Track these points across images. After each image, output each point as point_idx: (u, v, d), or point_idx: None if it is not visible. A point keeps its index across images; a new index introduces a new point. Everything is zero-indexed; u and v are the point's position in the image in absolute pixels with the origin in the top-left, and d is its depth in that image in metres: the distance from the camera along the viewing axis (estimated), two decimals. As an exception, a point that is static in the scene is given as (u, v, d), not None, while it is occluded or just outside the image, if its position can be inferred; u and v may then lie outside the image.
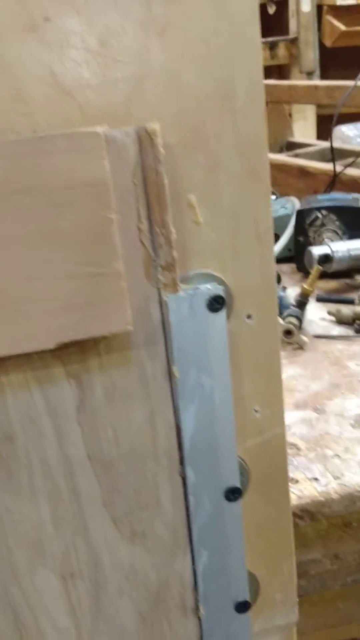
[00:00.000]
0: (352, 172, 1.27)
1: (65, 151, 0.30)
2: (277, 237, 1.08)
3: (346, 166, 1.20)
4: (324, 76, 2.97)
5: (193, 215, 0.35)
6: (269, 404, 0.39)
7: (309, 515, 0.51)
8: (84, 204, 0.30)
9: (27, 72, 0.31)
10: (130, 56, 0.33)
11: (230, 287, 0.37)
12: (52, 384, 0.34)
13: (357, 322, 0.84)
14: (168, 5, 0.32)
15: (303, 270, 1.02)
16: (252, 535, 0.41)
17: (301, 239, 1.04)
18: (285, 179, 1.46)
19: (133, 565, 0.39)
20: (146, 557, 0.39)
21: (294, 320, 0.80)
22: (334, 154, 1.25)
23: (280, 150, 1.91)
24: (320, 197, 1.10)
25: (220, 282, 0.36)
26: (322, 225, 1.02)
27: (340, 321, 0.85)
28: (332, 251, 0.94)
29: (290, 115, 2.69)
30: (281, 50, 3.03)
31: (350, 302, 0.91)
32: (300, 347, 0.79)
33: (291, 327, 0.78)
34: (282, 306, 0.83)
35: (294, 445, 0.58)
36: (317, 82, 1.70)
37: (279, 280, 0.97)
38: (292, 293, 0.86)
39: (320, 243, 1.01)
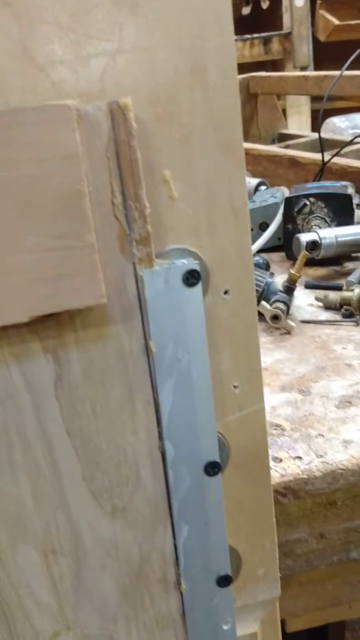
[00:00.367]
0: (342, 161, 1.27)
1: (37, 124, 0.30)
2: (266, 226, 1.09)
3: (334, 155, 1.21)
4: (317, 70, 2.97)
5: (168, 190, 0.35)
6: (247, 380, 0.40)
7: (292, 493, 0.51)
8: (56, 177, 0.31)
9: (-2, 47, 0.32)
10: (102, 32, 0.33)
11: (206, 262, 0.37)
12: (29, 359, 0.35)
13: (345, 307, 0.84)
14: (138, -22, 0.33)
15: (292, 258, 1.03)
16: (232, 510, 0.41)
17: (290, 226, 1.04)
18: (275, 170, 1.47)
19: (114, 541, 0.39)
20: (127, 532, 0.39)
21: (281, 305, 0.80)
22: (322, 143, 1.25)
23: (272, 142, 1.91)
24: (308, 185, 1.10)
25: (196, 257, 0.36)
26: (311, 212, 1.02)
27: (328, 307, 0.86)
28: (320, 238, 0.94)
29: (284, 110, 2.70)
30: (275, 45, 3.03)
31: (338, 288, 0.92)
32: (288, 332, 0.80)
33: (278, 312, 0.79)
34: (270, 292, 0.83)
35: (279, 426, 0.58)
36: (306, 72, 1.70)
37: (267, 267, 0.98)
38: (280, 280, 0.86)
39: (309, 230, 1.01)
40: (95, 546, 0.39)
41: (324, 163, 1.19)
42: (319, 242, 0.94)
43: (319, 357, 0.72)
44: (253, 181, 1.33)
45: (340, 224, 1.02)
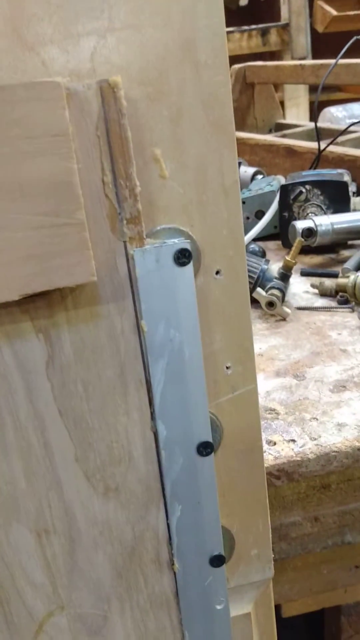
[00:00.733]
0: (339, 150, 1.27)
1: (26, 101, 0.30)
2: (262, 214, 1.08)
3: (330, 142, 1.20)
4: (315, 62, 2.96)
5: (159, 169, 0.35)
6: (240, 361, 0.40)
7: (286, 476, 0.51)
8: (45, 154, 0.31)
9: (-14, 24, 0.32)
10: (92, 10, 0.33)
11: (197, 242, 0.37)
12: (21, 339, 0.35)
13: (340, 294, 0.84)
14: None
15: (288, 246, 1.02)
16: (226, 490, 0.41)
17: (286, 214, 1.04)
18: (272, 159, 1.46)
19: (107, 521, 0.39)
20: (120, 512, 0.39)
21: (276, 292, 0.80)
22: (318, 131, 1.24)
23: (269, 132, 1.91)
24: (305, 172, 1.10)
25: (188, 236, 0.36)
26: (307, 200, 1.02)
27: (323, 293, 0.86)
28: (316, 225, 0.94)
29: (282, 102, 2.69)
30: (273, 37, 3.02)
31: (334, 275, 0.92)
32: (283, 318, 0.80)
33: (273, 298, 0.79)
34: (265, 279, 0.83)
35: (273, 410, 0.58)
36: (303, 61, 1.69)
37: (263, 255, 0.98)
38: (276, 268, 0.86)
39: (305, 218, 1.01)
40: (88, 526, 0.39)
41: (320, 151, 1.19)
42: (315, 229, 0.94)
43: (314, 342, 0.72)
44: (249, 170, 1.32)
45: (336, 211, 1.02)
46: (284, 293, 0.82)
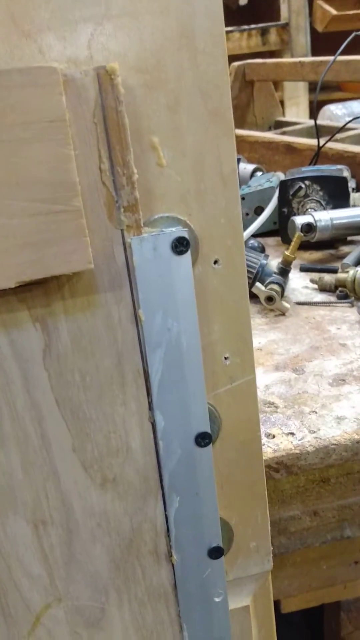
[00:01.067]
0: (338, 146, 1.27)
1: (22, 86, 0.30)
2: (262, 210, 1.08)
3: (329, 139, 1.20)
4: (315, 62, 2.96)
5: (156, 157, 0.35)
6: (239, 351, 0.40)
7: (285, 468, 0.51)
8: (42, 141, 0.30)
9: (-17, 10, 0.31)
10: (89, -4, 0.33)
11: (195, 231, 0.37)
12: (18, 327, 0.34)
13: (340, 289, 0.84)
14: None
15: (287, 242, 1.02)
16: (224, 482, 0.41)
17: (285, 210, 1.04)
18: (272, 157, 1.46)
19: (105, 512, 0.39)
20: (118, 503, 0.39)
21: (275, 287, 0.80)
22: (317, 128, 1.24)
23: (269, 129, 1.90)
24: (304, 168, 1.09)
25: (185, 225, 0.36)
26: (306, 195, 1.02)
27: (323, 288, 0.86)
28: (315, 220, 0.94)
29: (282, 101, 2.68)
30: (272, 36, 3.01)
31: (334, 271, 0.91)
32: (282, 313, 0.79)
33: (273, 293, 0.79)
34: (264, 274, 0.83)
35: (272, 404, 0.58)
36: (302, 58, 1.68)
37: (262, 250, 0.97)
38: (275, 263, 0.86)
39: (304, 213, 1.01)
40: (86, 517, 0.39)
41: (319, 147, 1.19)
42: (314, 224, 0.94)
43: (314, 337, 0.72)
44: (249, 167, 1.32)
45: (335, 207, 1.01)
46: (283, 288, 0.82)
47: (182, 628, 0.42)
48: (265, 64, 1.84)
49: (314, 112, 1.47)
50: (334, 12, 2.91)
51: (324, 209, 1.01)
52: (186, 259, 0.35)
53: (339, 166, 1.09)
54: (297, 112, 2.97)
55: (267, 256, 0.86)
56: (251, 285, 0.81)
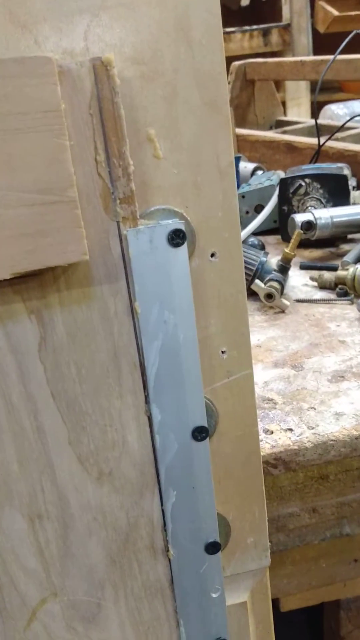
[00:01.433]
0: (339, 145, 1.27)
1: (17, 76, 0.30)
2: (262, 209, 1.08)
3: (329, 137, 1.20)
4: (317, 63, 2.95)
5: (153, 149, 0.35)
6: (236, 345, 0.39)
7: (283, 464, 0.51)
8: (37, 131, 0.30)
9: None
10: (85, -13, 0.33)
11: (192, 224, 0.36)
12: (13, 320, 0.34)
13: (339, 286, 0.84)
14: None
15: (287, 240, 1.01)
16: (221, 477, 0.41)
17: (285, 208, 1.04)
18: (272, 156, 1.46)
19: (101, 506, 0.39)
20: (114, 497, 0.39)
21: (275, 284, 0.80)
22: (317, 126, 1.24)
23: (270, 129, 1.90)
24: (304, 166, 1.09)
25: (182, 217, 0.36)
26: (306, 193, 1.02)
27: (323, 286, 0.85)
28: (315, 218, 0.94)
29: (283, 102, 2.68)
30: (274, 37, 3.01)
31: (334, 269, 0.91)
32: (282, 310, 0.79)
33: (272, 290, 0.78)
34: (264, 271, 0.83)
35: (271, 400, 0.58)
36: (303, 57, 1.68)
37: (262, 248, 0.97)
38: (275, 261, 0.85)
39: (304, 211, 1.01)
40: (82, 511, 0.38)
41: (319, 145, 1.19)
42: (314, 222, 0.93)
43: (313, 334, 0.72)
44: (249, 166, 1.32)
45: (335, 204, 1.01)
46: (282, 285, 0.82)
47: (179, 623, 0.42)
48: (266, 63, 1.84)
49: (315, 110, 1.47)
50: (335, 13, 2.91)
51: (324, 207, 1.01)
52: (183, 252, 0.35)
53: (340, 164, 1.09)
54: (298, 112, 2.97)
55: (267, 254, 0.85)
56: (251, 282, 0.81)
